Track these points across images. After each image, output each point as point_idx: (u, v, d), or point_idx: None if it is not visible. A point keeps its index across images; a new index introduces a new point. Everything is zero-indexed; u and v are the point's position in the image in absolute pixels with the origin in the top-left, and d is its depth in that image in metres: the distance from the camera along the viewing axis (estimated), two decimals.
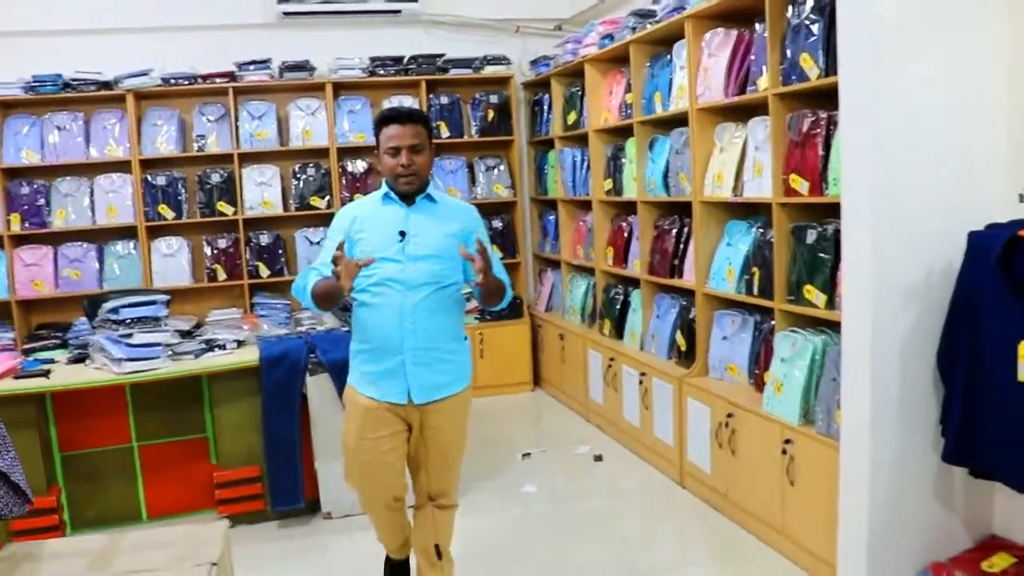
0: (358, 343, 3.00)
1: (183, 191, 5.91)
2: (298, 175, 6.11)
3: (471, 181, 6.56)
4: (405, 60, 6.25)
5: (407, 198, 2.95)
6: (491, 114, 6.47)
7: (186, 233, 5.99)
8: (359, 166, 6.16)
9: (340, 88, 6.21)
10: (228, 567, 2.64)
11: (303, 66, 6.03)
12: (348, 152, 6.17)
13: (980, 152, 2.74)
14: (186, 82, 5.82)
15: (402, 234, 2.88)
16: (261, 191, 6.02)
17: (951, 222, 2.65)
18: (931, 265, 2.70)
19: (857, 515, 2.84)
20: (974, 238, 2.56)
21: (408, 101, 6.26)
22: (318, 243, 6.03)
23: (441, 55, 6.34)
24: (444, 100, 6.39)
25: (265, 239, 6.05)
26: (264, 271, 6.02)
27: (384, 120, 2.91)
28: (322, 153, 6.14)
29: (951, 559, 2.79)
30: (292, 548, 3.92)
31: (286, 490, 4.05)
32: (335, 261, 2.67)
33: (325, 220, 5.39)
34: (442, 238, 2.90)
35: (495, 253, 3.06)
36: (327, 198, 6.11)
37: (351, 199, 5.79)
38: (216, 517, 3.93)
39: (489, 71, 6.43)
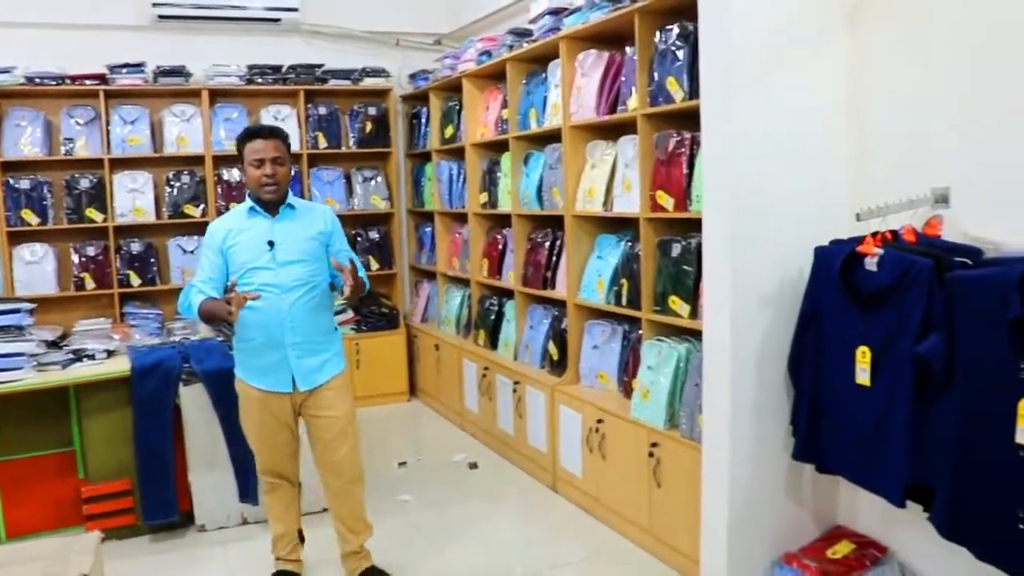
0: (243, 340, 3.30)
1: (49, 196, 5.67)
2: (172, 182, 5.97)
3: (348, 192, 6.55)
4: (284, 69, 6.20)
5: (271, 209, 3.21)
6: (369, 126, 6.48)
7: (52, 240, 5.74)
8: (235, 175, 6.04)
9: (216, 95, 6.10)
10: None
11: (178, 71, 5.89)
12: (224, 160, 6.03)
13: (825, 173, 2.96)
14: (53, 82, 5.59)
15: (270, 244, 3.19)
16: (133, 198, 5.84)
17: (802, 237, 2.85)
18: (784, 277, 2.91)
19: (717, 512, 3.02)
20: (819, 252, 2.76)
21: (286, 111, 6.23)
22: (192, 252, 5.91)
23: (320, 65, 6.32)
24: (322, 110, 6.36)
25: (136, 247, 5.88)
26: (135, 280, 5.85)
27: (248, 136, 3.26)
28: (197, 161, 6.02)
29: (801, 549, 2.99)
30: (165, 562, 3.84)
31: (158, 503, 3.97)
32: (228, 290, 3.00)
33: (199, 229, 5.25)
34: (305, 242, 3.28)
35: (353, 254, 3.45)
36: (202, 206, 5.99)
37: (227, 208, 5.69)
38: (83, 534, 3.80)
39: (368, 83, 6.45)
